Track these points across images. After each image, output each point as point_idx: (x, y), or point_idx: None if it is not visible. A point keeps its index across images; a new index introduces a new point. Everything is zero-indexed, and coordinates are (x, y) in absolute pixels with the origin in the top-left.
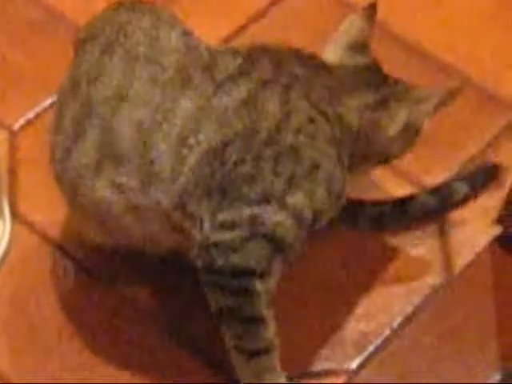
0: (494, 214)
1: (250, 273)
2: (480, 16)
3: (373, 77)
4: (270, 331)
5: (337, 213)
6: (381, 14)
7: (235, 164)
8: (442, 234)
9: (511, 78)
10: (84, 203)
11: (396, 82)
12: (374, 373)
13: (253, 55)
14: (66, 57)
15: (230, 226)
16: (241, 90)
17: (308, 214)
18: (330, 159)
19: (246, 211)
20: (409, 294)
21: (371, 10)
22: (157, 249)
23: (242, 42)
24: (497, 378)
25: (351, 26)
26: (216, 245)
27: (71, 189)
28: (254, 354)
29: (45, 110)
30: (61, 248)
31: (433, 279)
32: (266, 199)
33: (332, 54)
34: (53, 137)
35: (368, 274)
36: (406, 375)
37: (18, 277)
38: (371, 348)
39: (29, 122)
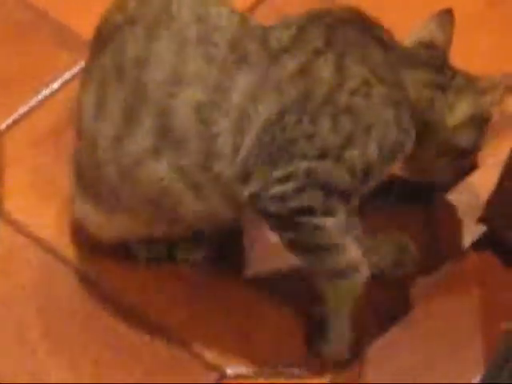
0: (479, 212)
1: (308, 211)
2: (468, 18)
3: (434, 60)
4: (349, 254)
5: (385, 174)
6: (369, 14)
7: (293, 126)
8: (428, 232)
9: None
10: (138, 190)
11: (457, 72)
12: (364, 371)
13: (307, 25)
14: (52, 57)
15: (286, 179)
16: (295, 61)
17: (360, 167)
18: (386, 119)
19: (304, 164)
20: (396, 293)
21: (447, 15)
22: (212, 222)
23: None
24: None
25: (423, 28)
26: (272, 197)
27: (120, 177)
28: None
29: (32, 109)
30: (46, 247)
31: (419, 278)
32: (323, 154)
33: None
34: (92, 126)
35: None
36: (395, 373)
37: (2, 277)
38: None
39: (16, 122)
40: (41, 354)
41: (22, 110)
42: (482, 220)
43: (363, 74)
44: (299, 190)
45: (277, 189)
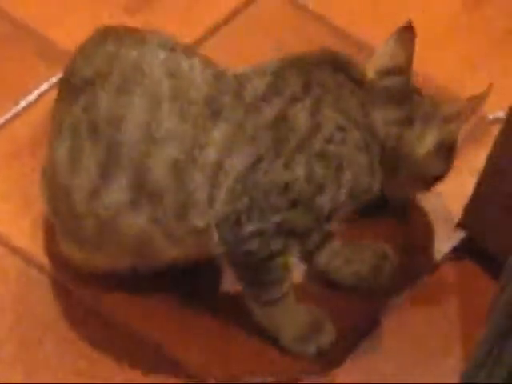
0: (457, 217)
1: (269, 255)
2: (446, 19)
3: (400, 92)
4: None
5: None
6: (342, 21)
7: (266, 175)
8: (404, 240)
9: (474, 81)
10: (117, 239)
11: (424, 99)
12: (342, 374)
13: (281, 72)
14: (31, 68)
15: (258, 234)
16: (273, 108)
17: (327, 212)
18: (359, 164)
19: (276, 218)
20: (374, 298)
21: (407, 31)
22: (184, 260)
23: (204, 51)
24: None
25: (384, 51)
26: (243, 251)
27: (98, 226)
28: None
29: (9, 120)
30: (23, 257)
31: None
32: (295, 204)
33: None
34: (67, 179)
35: None
36: (372, 379)
37: None
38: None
39: None
40: (18, 365)
41: (2, 119)
42: (460, 226)
43: (338, 119)
44: (267, 241)
45: (248, 245)
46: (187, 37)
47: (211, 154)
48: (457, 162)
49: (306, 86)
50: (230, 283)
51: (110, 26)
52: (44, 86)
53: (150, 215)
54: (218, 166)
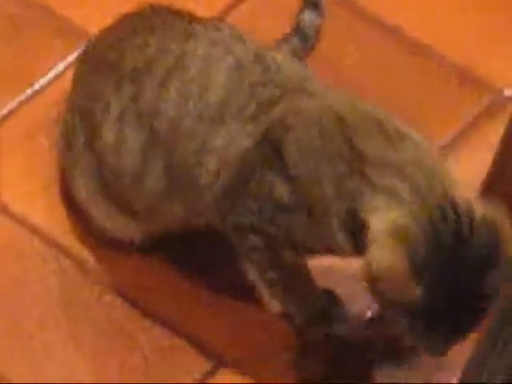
0: (473, 192)
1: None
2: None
3: None
4: None
5: None
6: None
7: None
8: None
9: (490, 58)
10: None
11: None
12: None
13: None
14: (48, 48)
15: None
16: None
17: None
18: None
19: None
20: None
21: None
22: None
23: None
24: None
25: None
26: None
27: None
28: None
29: (27, 101)
30: (42, 237)
31: None
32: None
33: None
34: (114, 160)
35: None
36: None
37: None
38: None
39: (11, 113)
40: (36, 344)
41: (18, 101)
42: None
43: None
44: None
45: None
46: (206, 14)
47: (216, 151)
48: (474, 139)
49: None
50: None
51: (155, 6)
52: (61, 66)
53: (186, 203)
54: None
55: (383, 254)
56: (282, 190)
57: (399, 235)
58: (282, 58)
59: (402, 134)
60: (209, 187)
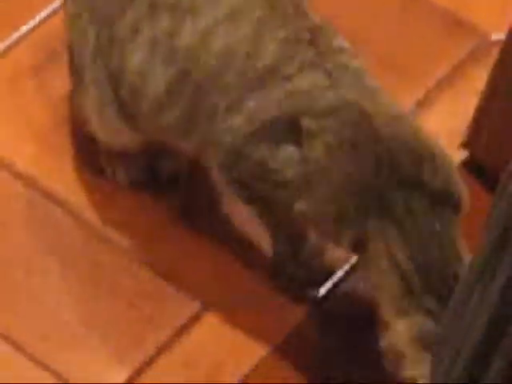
0: (458, 136)
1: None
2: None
3: None
4: None
5: None
6: None
7: None
8: None
9: (477, 2)
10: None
11: None
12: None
13: None
14: None
15: None
16: None
17: None
18: None
19: None
20: None
21: None
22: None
23: None
24: None
25: None
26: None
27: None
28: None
29: (13, 45)
30: (27, 182)
31: None
32: None
33: None
34: (138, 80)
35: None
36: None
37: None
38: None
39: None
40: (23, 291)
41: (1, 46)
42: (463, 146)
43: None
44: None
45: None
46: None
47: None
48: (459, 83)
49: None
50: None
51: None
52: (44, 12)
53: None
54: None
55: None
56: (290, 166)
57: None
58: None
59: None
60: (226, 135)
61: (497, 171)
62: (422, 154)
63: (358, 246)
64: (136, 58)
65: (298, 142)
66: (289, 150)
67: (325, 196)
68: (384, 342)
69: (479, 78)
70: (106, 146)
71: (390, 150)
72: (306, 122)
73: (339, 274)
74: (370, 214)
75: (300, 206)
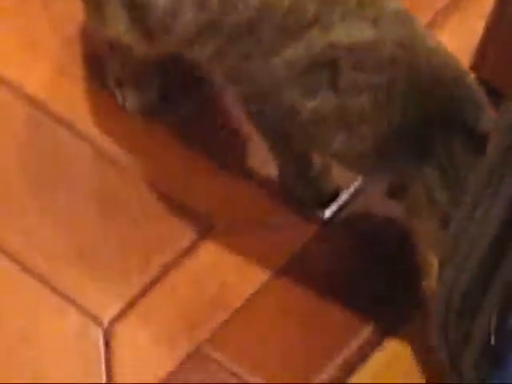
0: (466, 58)
1: None
2: None
3: None
4: None
5: None
6: None
7: None
8: None
9: None
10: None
11: None
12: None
13: None
14: None
15: None
16: None
17: None
18: None
19: None
20: None
21: None
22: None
23: None
24: None
25: None
26: None
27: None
28: None
29: None
30: (35, 104)
31: None
32: None
33: None
34: (165, 20)
35: None
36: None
37: None
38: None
39: None
40: (31, 212)
41: None
42: (471, 69)
43: None
44: None
45: None
46: None
47: None
48: (465, 7)
49: None
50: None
51: None
52: None
53: None
54: None
55: None
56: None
57: None
58: None
59: None
60: (263, 75)
61: (503, 92)
62: (464, 97)
63: (399, 193)
64: None
65: (336, 86)
66: (326, 94)
67: (365, 135)
68: (429, 284)
69: (487, 1)
70: (120, 66)
71: (432, 90)
72: (344, 64)
73: (345, 196)
74: (409, 155)
75: (338, 145)
